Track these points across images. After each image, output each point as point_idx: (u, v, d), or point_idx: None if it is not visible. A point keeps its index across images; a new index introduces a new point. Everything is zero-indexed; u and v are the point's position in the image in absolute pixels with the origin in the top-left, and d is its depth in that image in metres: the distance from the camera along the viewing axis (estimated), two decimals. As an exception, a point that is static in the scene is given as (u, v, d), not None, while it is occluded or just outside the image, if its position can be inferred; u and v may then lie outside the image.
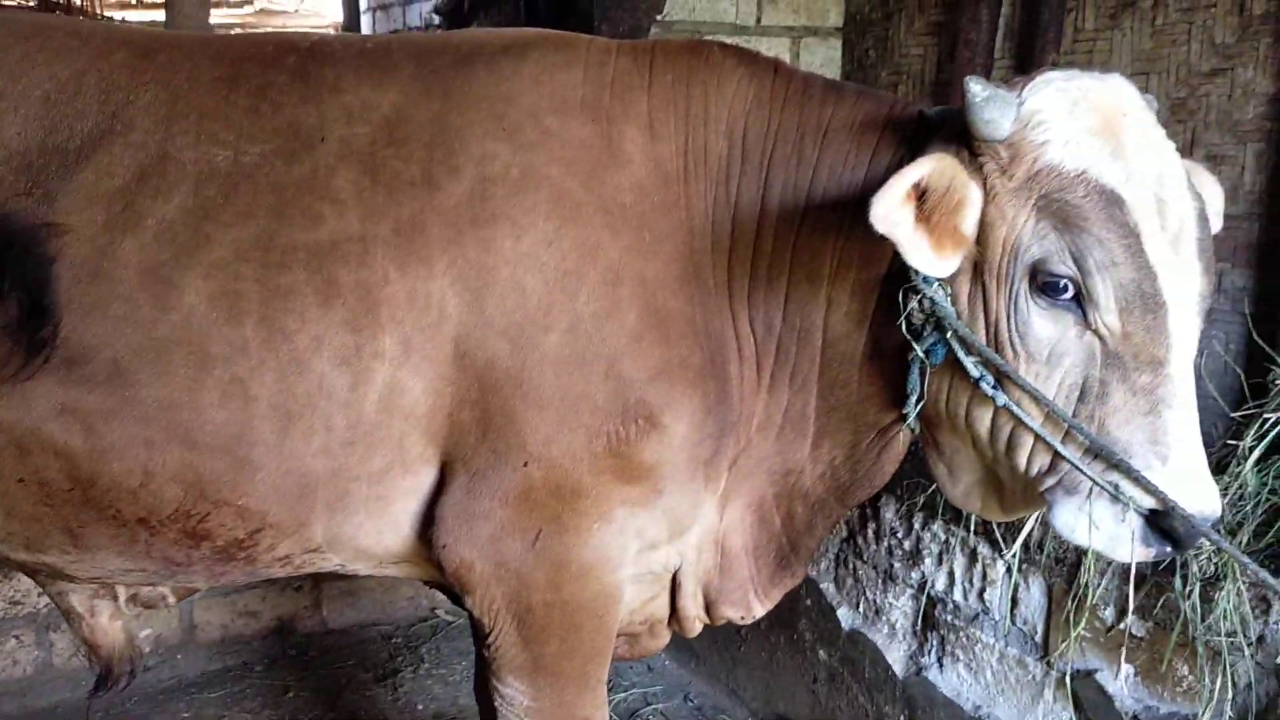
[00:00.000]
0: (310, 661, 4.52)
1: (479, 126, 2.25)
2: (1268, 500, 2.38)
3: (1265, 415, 2.50)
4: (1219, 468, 2.56)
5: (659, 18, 4.74)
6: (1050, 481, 2.02)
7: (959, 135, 2.02)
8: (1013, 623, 2.91)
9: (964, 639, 3.08)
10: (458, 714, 4.02)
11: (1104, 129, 1.94)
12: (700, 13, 4.84)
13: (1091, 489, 1.95)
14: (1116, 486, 1.92)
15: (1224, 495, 2.43)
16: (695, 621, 2.68)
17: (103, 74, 2.23)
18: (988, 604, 3.01)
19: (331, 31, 14.63)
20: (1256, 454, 2.45)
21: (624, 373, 2.21)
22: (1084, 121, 1.95)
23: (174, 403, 2.13)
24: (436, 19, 10.01)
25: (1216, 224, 2.19)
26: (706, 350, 2.29)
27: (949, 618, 3.14)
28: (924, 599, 3.23)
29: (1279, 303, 2.95)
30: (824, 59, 5.08)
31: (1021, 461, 2.05)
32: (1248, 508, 2.38)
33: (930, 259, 1.94)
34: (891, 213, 1.90)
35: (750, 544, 2.58)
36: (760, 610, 2.68)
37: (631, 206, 2.26)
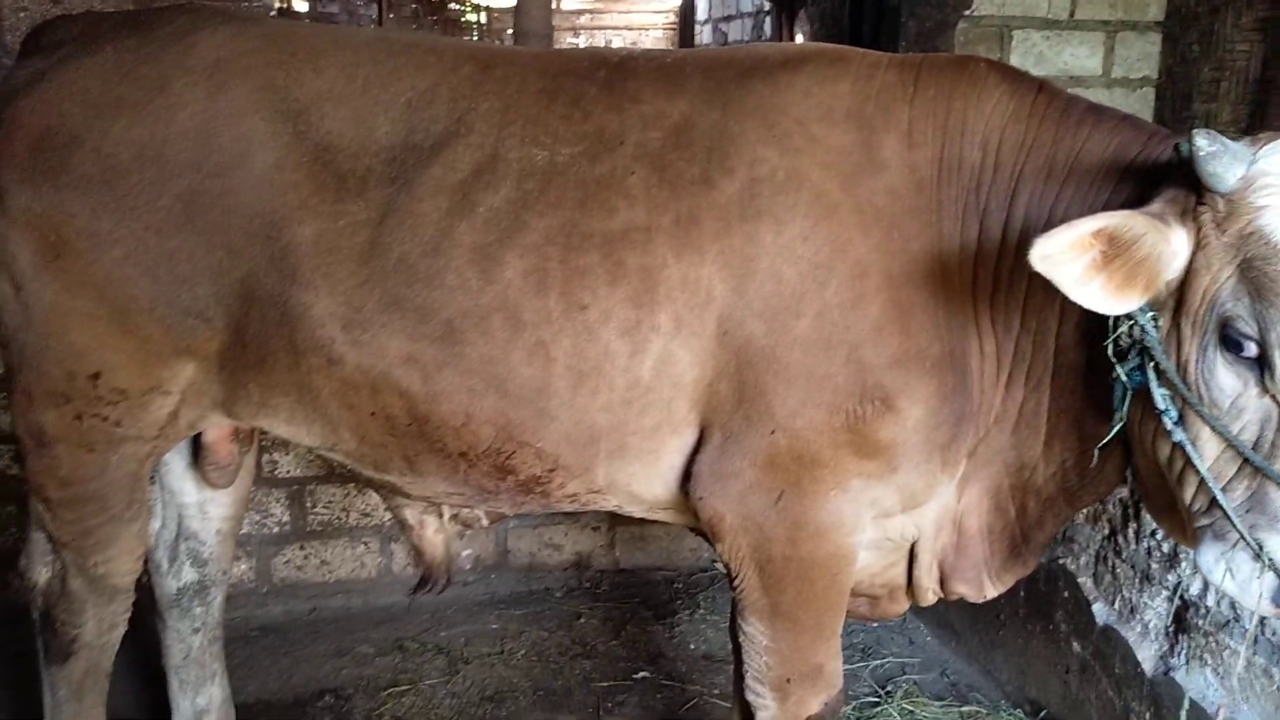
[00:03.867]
0: (601, 594, 5.00)
1: (752, 133, 2.52)
2: None
3: None
4: None
5: (967, 12, 4.74)
6: (1204, 521, 2.09)
7: (1193, 179, 2.02)
8: (1261, 632, 2.90)
9: (1213, 644, 3.09)
10: (724, 656, 4.31)
11: None
12: (1010, 7, 4.77)
13: (1237, 541, 2.01)
14: (1260, 545, 1.97)
15: None
16: (929, 593, 2.84)
17: (452, 86, 2.66)
18: (1239, 612, 3.00)
19: (671, 16, 15.40)
20: None
21: (864, 358, 2.42)
22: None
23: (491, 359, 2.53)
24: (766, 4, 10.36)
25: None
26: (946, 343, 2.46)
27: (1200, 622, 3.15)
28: (1177, 601, 3.25)
29: None
30: (1140, 54, 4.91)
31: (1187, 497, 2.13)
32: None
33: (1105, 300, 2.01)
34: (1054, 254, 1.97)
35: (985, 528, 2.71)
36: (992, 591, 2.80)
37: (884, 209, 2.46)
